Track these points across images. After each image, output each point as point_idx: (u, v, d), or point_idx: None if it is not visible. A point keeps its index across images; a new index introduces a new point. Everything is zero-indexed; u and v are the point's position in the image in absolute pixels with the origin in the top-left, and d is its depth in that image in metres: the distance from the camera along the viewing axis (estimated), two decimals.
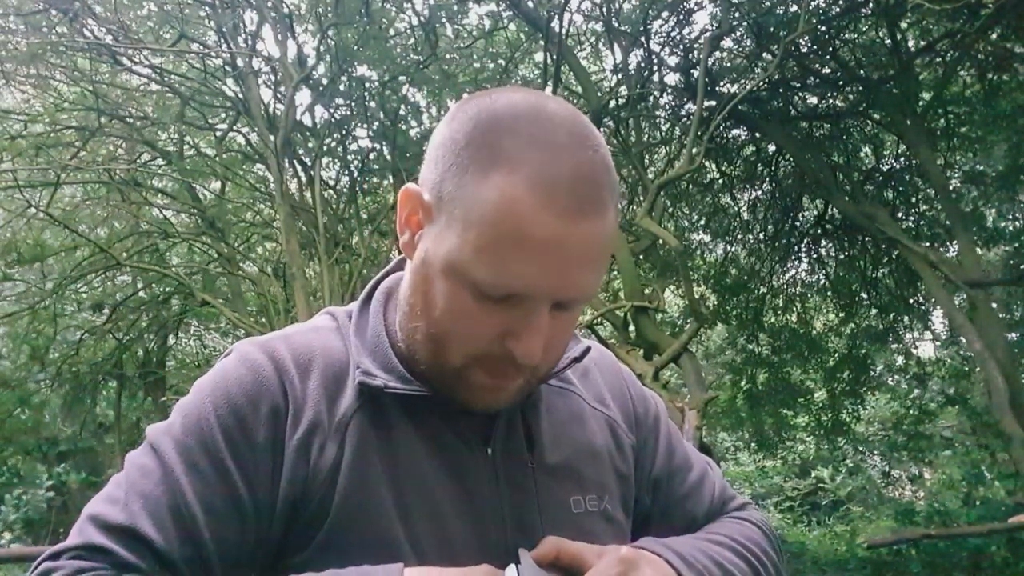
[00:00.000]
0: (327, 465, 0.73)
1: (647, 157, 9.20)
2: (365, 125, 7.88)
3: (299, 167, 7.52)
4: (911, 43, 8.02)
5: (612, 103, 7.87)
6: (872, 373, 10.63)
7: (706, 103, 6.77)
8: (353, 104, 7.59)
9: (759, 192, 9.65)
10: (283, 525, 0.73)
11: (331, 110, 7.57)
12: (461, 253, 0.68)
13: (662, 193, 7.17)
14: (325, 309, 0.88)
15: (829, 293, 10.04)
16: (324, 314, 0.87)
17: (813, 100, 8.75)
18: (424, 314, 0.73)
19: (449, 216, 0.69)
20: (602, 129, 7.65)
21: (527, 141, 0.67)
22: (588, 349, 0.87)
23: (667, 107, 8.89)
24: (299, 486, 0.72)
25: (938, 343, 11.71)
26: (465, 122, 0.70)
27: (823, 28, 7.28)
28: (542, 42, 7.03)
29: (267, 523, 0.72)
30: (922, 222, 8.96)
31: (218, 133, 8.46)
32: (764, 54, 7.74)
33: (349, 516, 0.72)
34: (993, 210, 9.45)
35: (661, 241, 7.42)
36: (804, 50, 7.78)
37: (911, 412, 10.45)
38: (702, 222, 10.10)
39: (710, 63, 7.41)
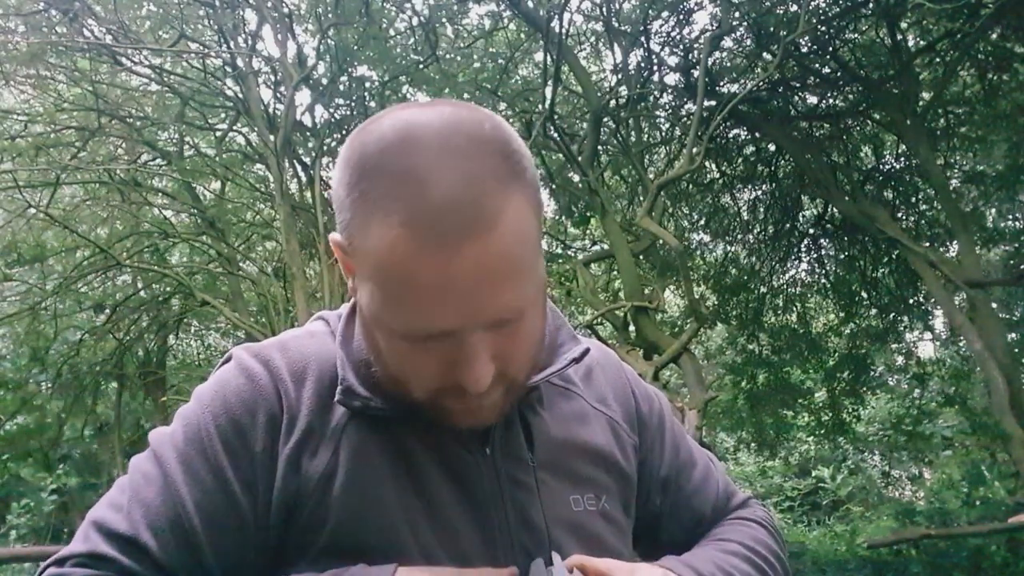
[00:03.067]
0: (318, 471, 0.73)
1: (647, 157, 9.21)
2: None
3: (299, 167, 7.52)
4: (911, 43, 8.02)
5: (612, 103, 7.87)
6: (872, 373, 10.63)
7: (706, 103, 6.76)
8: (353, 104, 7.59)
9: (759, 192, 9.65)
10: (279, 534, 0.73)
11: (331, 110, 7.57)
12: (373, 304, 0.68)
13: (662, 193, 7.16)
14: (318, 313, 0.88)
15: (829, 293, 10.04)
16: (317, 319, 0.87)
17: (813, 100, 8.74)
18: (376, 359, 0.74)
19: (357, 268, 0.69)
20: (602, 129, 7.66)
21: (395, 179, 0.63)
22: (587, 351, 0.85)
23: (667, 107, 8.89)
24: (291, 496, 0.72)
25: (938, 343, 11.71)
26: (345, 170, 0.68)
27: (823, 28, 7.28)
28: (542, 42, 7.03)
29: (264, 532, 0.73)
30: (922, 222, 8.96)
31: (218, 133, 8.46)
32: (764, 54, 7.74)
33: (350, 520, 0.72)
34: (993, 210, 9.45)
35: (661, 241, 7.41)
36: (804, 50, 7.78)
37: (911, 412, 10.45)
38: (702, 222, 10.10)
39: (710, 63, 7.41)
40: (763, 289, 9.86)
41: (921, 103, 7.64)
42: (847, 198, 7.83)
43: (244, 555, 0.73)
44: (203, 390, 0.77)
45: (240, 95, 7.18)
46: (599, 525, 0.83)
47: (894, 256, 8.65)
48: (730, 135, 8.93)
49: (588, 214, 8.21)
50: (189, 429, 0.74)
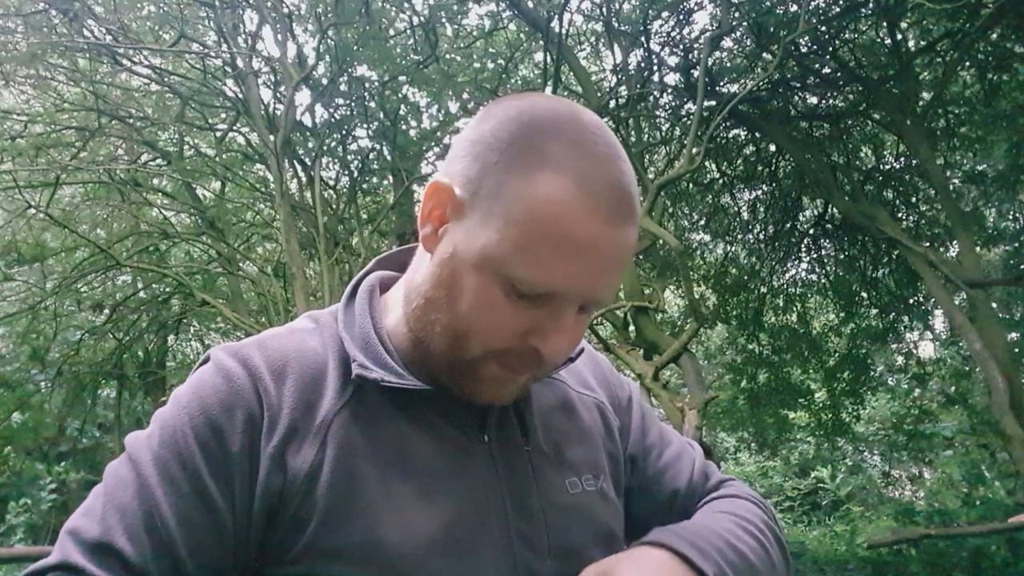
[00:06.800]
0: (304, 469, 0.72)
1: (647, 157, 9.20)
2: (365, 125, 7.88)
3: (299, 167, 7.52)
4: (911, 43, 8.02)
5: (612, 103, 7.86)
6: (872, 373, 10.63)
7: (706, 103, 6.76)
8: (353, 104, 7.60)
9: (759, 192, 9.65)
10: (261, 534, 0.72)
11: (331, 110, 7.57)
12: (500, 249, 0.68)
13: (662, 193, 7.17)
14: (306, 313, 0.88)
15: (829, 293, 10.04)
16: (305, 317, 0.86)
17: (813, 100, 8.74)
18: (448, 308, 0.73)
19: (486, 212, 0.70)
20: None
21: (571, 145, 0.69)
22: (583, 350, 0.90)
23: (667, 107, 8.89)
24: (275, 495, 0.72)
25: (938, 343, 11.71)
26: (506, 121, 0.72)
27: (823, 28, 7.28)
28: (542, 42, 7.03)
29: (244, 533, 0.72)
30: (922, 222, 8.97)
31: (218, 133, 8.46)
32: (764, 54, 7.73)
33: (337, 516, 0.71)
34: (993, 210, 9.46)
35: (661, 241, 7.41)
36: (804, 50, 7.78)
37: (911, 412, 10.46)
38: (702, 222, 10.11)
39: (710, 63, 7.41)
40: (763, 289, 9.87)
41: (921, 103, 7.64)
42: (847, 198, 7.83)
43: (222, 557, 0.72)
44: (181, 392, 0.76)
45: (240, 95, 7.17)
46: (596, 507, 0.84)
47: (894, 256, 8.65)
48: (730, 135, 8.93)
49: None
50: (165, 431, 0.73)
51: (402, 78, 7.45)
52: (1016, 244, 9.17)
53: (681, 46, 8.12)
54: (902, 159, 8.86)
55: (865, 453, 12.85)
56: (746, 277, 9.80)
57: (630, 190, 0.71)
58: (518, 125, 0.71)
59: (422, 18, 7.42)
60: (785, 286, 10.15)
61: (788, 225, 9.43)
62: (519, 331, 0.71)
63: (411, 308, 0.79)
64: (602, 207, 0.68)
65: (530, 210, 0.67)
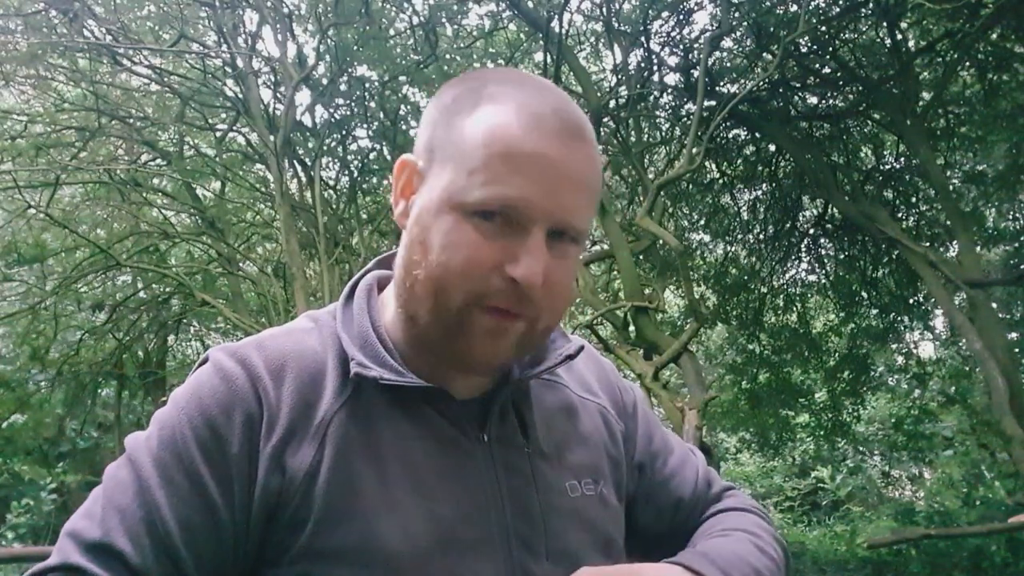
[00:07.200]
0: (303, 469, 0.72)
1: (647, 157, 9.20)
2: (365, 125, 7.89)
3: (299, 167, 7.52)
4: (911, 43, 8.02)
5: (612, 103, 7.86)
6: (872, 373, 10.63)
7: (706, 103, 6.76)
8: (353, 104, 7.60)
9: (759, 192, 9.65)
10: (260, 534, 0.72)
11: (331, 110, 7.58)
12: (454, 184, 0.71)
13: (662, 193, 7.16)
14: (305, 312, 0.87)
15: (829, 293, 10.04)
16: (304, 317, 0.86)
17: (813, 100, 8.74)
18: (423, 262, 0.73)
19: (442, 161, 0.74)
20: (602, 129, 7.66)
21: (512, 85, 0.74)
22: (582, 347, 0.88)
23: (667, 107, 8.89)
24: (274, 496, 0.72)
25: (938, 343, 11.71)
26: (451, 89, 0.77)
27: (823, 28, 7.28)
28: (542, 42, 7.03)
29: (244, 534, 0.72)
30: (922, 222, 8.96)
31: (218, 133, 8.46)
32: (764, 54, 7.73)
33: (335, 516, 0.71)
34: (993, 210, 9.46)
35: (661, 241, 7.41)
36: (804, 50, 7.78)
37: (911, 412, 10.46)
38: (702, 222, 10.10)
39: (710, 63, 7.40)
40: (763, 289, 9.86)
41: (921, 103, 7.64)
42: (847, 198, 7.83)
43: (222, 558, 0.72)
44: (179, 393, 0.76)
45: (240, 95, 7.18)
46: (595, 512, 0.84)
47: (894, 256, 8.65)
48: (730, 135, 8.93)
49: None
50: (164, 433, 0.73)
51: (402, 78, 7.45)
52: (1016, 244, 9.17)
53: (681, 46, 8.12)
54: (902, 159, 8.86)
55: (865, 453, 12.85)
56: (746, 277, 9.79)
57: (575, 113, 0.73)
58: (462, 86, 0.76)
59: (422, 18, 7.42)
60: (785, 286, 10.14)
61: (788, 225, 9.42)
62: (493, 264, 0.70)
63: (397, 286, 0.79)
64: (545, 125, 0.71)
65: (475, 138, 0.71)
